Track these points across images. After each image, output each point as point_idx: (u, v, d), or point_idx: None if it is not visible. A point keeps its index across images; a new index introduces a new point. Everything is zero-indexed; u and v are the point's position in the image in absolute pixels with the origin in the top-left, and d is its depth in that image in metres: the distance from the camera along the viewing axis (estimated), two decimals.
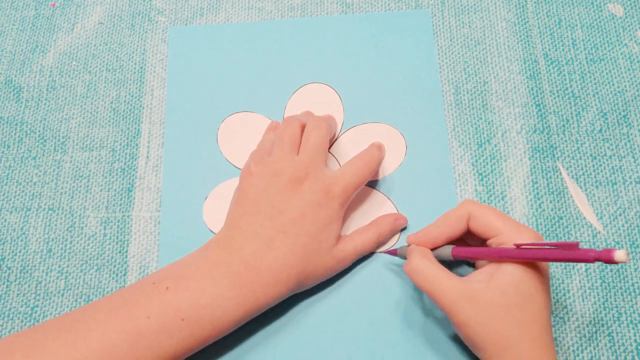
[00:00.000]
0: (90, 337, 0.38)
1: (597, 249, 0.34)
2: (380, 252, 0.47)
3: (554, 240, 0.47)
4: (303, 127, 0.48)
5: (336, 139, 0.52)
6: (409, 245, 0.44)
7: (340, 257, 0.45)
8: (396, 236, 0.48)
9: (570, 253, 0.35)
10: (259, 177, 0.45)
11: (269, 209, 0.44)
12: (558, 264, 0.47)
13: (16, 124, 0.54)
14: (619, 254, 0.32)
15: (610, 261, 0.33)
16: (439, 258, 0.43)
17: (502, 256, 0.39)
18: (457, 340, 0.44)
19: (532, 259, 0.37)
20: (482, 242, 0.43)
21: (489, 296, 0.38)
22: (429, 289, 0.40)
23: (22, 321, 0.47)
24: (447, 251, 0.42)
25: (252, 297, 0.42)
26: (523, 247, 0.38)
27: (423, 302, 0.46)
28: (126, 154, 0.52)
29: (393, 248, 0.47)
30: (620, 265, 0.47)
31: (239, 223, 0.44)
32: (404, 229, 0.48)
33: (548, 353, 0.38)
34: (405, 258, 0.44)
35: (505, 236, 0.40)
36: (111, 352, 0.38)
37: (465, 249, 0.42)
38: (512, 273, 0.38)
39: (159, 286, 0.41)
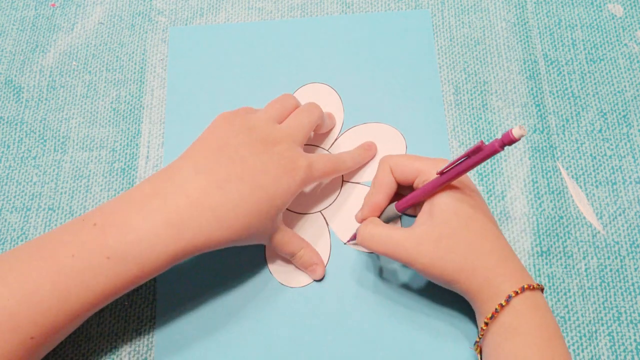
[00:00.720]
0: (11, 277, 0.37)
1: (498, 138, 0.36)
2: (346, 243, 0.48)
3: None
4: (320, 121, 0.48)
5: (336, 139, 0.52)
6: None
7: (275, 230, 0.43)
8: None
9: (480, 154, 0.36)
10: (233, 125, 0.43)
11: (233, 152, 0.41)
12: (557, 263, 0.47)
13: (16, 124, 0.54)
14: (516, 130, 0.34)
15: (511, 140, 0.34)
16: (389, 220, 0.44)
17: (432, 187, 0.40)
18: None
19: (455, 177, 0.39)
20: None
21: (436, 231, 0.39)
22: (383, 249, 0.41)
23: None
24: (392, 209, 0.44)
25: (187, 237, 0.38)
26: (443, 171, 0.39)
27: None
28: (126, 154, 0.52)
29: (352, 235, 0.47)
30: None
31: (194, 156, 0.42)
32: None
33: (510, 261, 0.39)
34: None
35: (425, 172, 0.41)
36: (33, 292, 0.37)
37: (406, 198, 0.43)
38: (446, 202, 0.40)
39: (87, 223, 0.39)
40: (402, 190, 0.45)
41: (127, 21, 0.57)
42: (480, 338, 0.40)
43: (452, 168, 0.38)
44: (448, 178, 0.39)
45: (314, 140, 0.52)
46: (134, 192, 0.40)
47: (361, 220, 0.45)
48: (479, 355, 0.41)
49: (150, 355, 0.46)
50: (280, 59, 0.55)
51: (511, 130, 0.34)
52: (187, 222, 0.39)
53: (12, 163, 0.52)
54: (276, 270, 0.48)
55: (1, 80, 0.55)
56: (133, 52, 0.56)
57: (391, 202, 0.45)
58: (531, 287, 0.38)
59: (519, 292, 0.38)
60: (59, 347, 0.46)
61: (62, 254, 0.38)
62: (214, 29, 0.57)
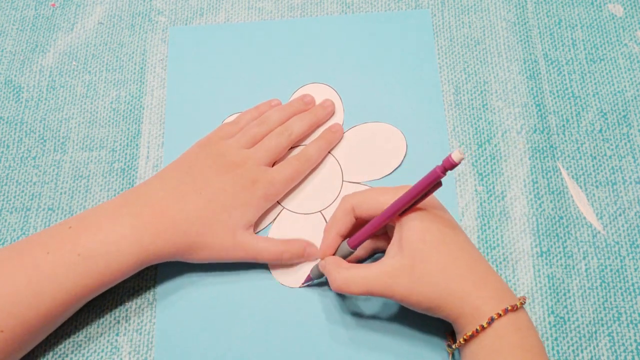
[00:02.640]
0: None
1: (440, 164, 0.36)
2: (299, 287, 0.47)
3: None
4: (290, 143, 0.50)
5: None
6: (318, 264, 0.45)
7: (240, 244, 0.45)
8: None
9: (424, 180, 0.37)
10: (205, 151, 0.48)
11: (198, 173, 0.46)
12: (557, 263, 0.47)
13: (16, 124, 0.54)
14: (455, 154, 0.34)
15: (452, 165, 0.35)
16: (343, 257, 0.44)
17: (383, 220, 0.40)
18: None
19: (403, 205, 0.39)
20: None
21: (408, 262, 0.39)
22: (362, 291, 0.40)
23: None
24: (345, 246, 0.43)
25: (149, 239, 0.43)
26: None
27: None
28: (126, 154, 0.52)
29: (307, 276, 0.46)
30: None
31: (163, 176, 0.47)
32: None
33: (488, 280, 0.39)
34: (320, 276, 0.45)
35: (386, 206, 0.41)
36: (8, 284, 0.40)
37: (357, 235, 0.42)
38: (412, 230, 0.40)
39: (64, 226, 0.43)
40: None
41: (127, 21, 0.57)
42: (454, 347, 0.40)
43: (401, 198, 0.39)
44: (400, 205, 0.39)
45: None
46: (108, 203, 0.45)
47: (322, 256, 0.45)
48: (450, 357, 0.42)
49: (150, 355, 0.46)
50: (280, 59, 0.55)
51: (451, 154, 0.34)
52: (148, 228, 0.43)
53: (12, 163, 0.52)
54: (276, 270, 0.48)
55: (1, 80, 0.55)
56: (133, 52, 0.56)
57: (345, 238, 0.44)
58: (514, 308, 0.38)
59: (501, 314, 0.37)
60: (59, 347, 0.46)
61: (38, 252, 0.42)
62: (214, 29, 0.57)
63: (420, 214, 0.40)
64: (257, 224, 0.49)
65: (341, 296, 0.46)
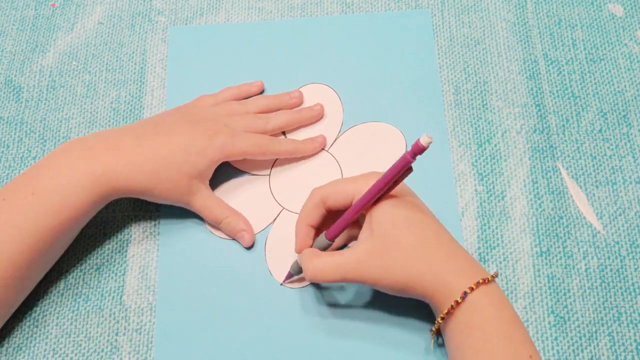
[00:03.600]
0: None
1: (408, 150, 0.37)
2: (282, 284, 0.47)
3: None
4: (265, 130, 0.50)
5: (336, 139, 0.52)
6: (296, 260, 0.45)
7: (193, 191, 0.46)
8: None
9: (395, 167, 0.37)
10: (178, 109, 0.49)
11: (161, 121, 0.47)
12: (557, 263, 0.47)
13: (16, 124, 0.54)
14: (423, 138, 0.35)
15: (421, 149, 0.35)
16: (322, 249, 0.44)
17: (358, 209, 0.41)
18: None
19: (377, 192, 0.39)
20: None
21: (379, 245, 0.40)
22: (333, 277, 0.41)
23: (21, 321, 0.47)
24: (322, 239, 0.44)
25: (100, 170, 0.43)
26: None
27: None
28: None
29: (287, 274, 0.47)
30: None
31: (130, 125, 0.48)
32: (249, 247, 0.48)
33: (458, 256, 0.40)
34: (300, 271, 0.45)
35: (362, 192, 0.41)
36: None
37: (334, 226, 0.43)
38: (382, 214, 0.40)
39: (19, 175, 0.44)
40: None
41: (127, 21, 0.57)
42: (434, 330, 0.41)
43: (372, 186, 0.39)
44: (373, 194, 0.39)
45: None
46: (62, 145, 0.45)
47: (299, 251, 0.45)
48: (432, 340, 0.43)
49: (150, 355, 0.46)
50: (280, 59, 0.55)
51: (419, 139, 0.35)
52: (100, 159, 0.43)
53: (12, 163, 0.52)
54: (276, 270, 0.48)
55: (1, 80, 0.55)
56: (133, 52, 0.56)
57: (322, 230, 0.44)
58: (486, 281, 0.39)
59: (474, 287, 0.38)
60: (59, 346, 0.46)
61: None
62: (214, 29, 0.57)
63: (390, 200, 0.41)
64: (256, 223, 0.49)
65: (341, 297, 0.46)
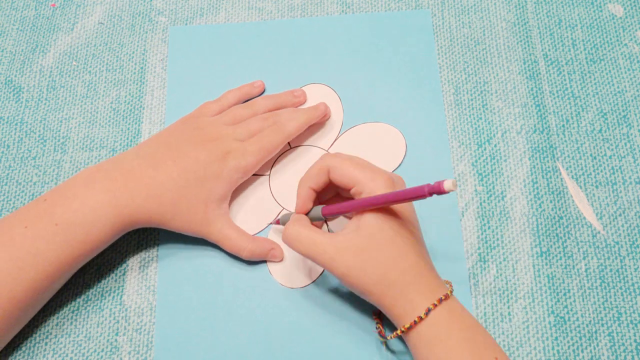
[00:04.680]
0: None
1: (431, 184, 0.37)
2: (267, 225, 0.49)
3: None
4: (273, 107, 0.51)
5: (336, 139, 0.52)
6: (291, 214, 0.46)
7: (209, 220, 0.46)
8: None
9: (409, 193, 0.38)
10: (185, 125, 0.49)
11: (174, 144, 0.47)
12: (557, 263, 0.47)
13: (16, 124, 0.54)
14: (447, 184, 0.35)
15: (441, 191, 0.35)
16: (314, 220, 0.44)
17: (360, 206, 0.41)
18: None
19: (384, 204, 0.40)
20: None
21: (359, 243, 0.40)
22: (305, 251, 0.41)
23: None
24: (318, 211, 0.44)
25: (124, 202, 0.44)
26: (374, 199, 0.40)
27: None
28: None
29: (276, 220, 0.48)
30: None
31: (141, 146, 0.48)
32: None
33: (425, 276, 0.40)
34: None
35: (362, 185, 0.41)
36: None
37: (332, 207, 0.43)
38: (374, 218, 0.40)
39: (39, 201, 0.44)
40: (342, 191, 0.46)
41: (127, 21, 0.57)
42: (390, 338, 0.42)
43: (384, 194, 0.40)
44: (377, 203, 0.40)
45: (312, 141, 0.52)
46: (82, 172, 0.45)
47: (298, 212, 0.45)
48: (384, 345, 0.44)
49: (150, 355, 0.46)
50: (280, 59, 0.55)
51: (444, 182, 0.35)
52: (122, 191, 0.44)
53: (12, 163, 0.52)
54: (276, 270, 0.48)
55: (1, 80, 0.55)
56: (133, 52, 0.56)
57: (322, 203, 0.45)
58: (446, 297, 0.40)
59: (437, 304, 0.39)
60: (59, 346, 0.46)
61: (15, 227, 0.43)
62: (214, 29, 0.57)
63: (385, 208, 0.41)
64: (256, 223, 0.49)
65: (341, 297, 0.46)
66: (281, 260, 0.48)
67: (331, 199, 0.47)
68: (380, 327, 0.44)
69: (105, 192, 0.44)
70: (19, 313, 0.43)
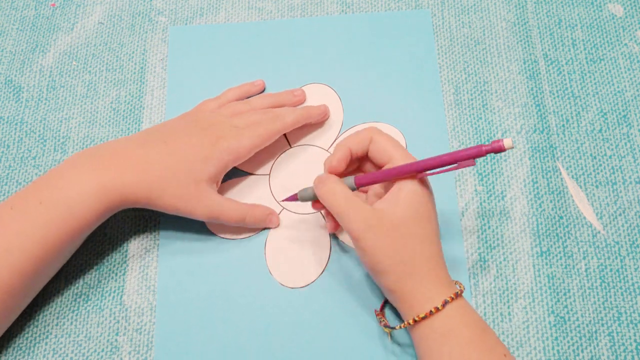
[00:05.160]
0: None
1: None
2: (282, 201, 0.49)
3: None
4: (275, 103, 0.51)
5: (336, 139, 0.52)
6: (308, 189, 0.45)
7: (203, 197, 0.45)
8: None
9: (464, 153, 0.38)
10: (184, 117, 0.49)
11: (167, 130, 0.47)
12: (557, 263, 0.47)
13: (16, 124, 0.54)
14: (507, 142, 0.35)
15: (501, 149, 0.36)
16: None
17: (401, 174, 0.40)
18: None
19: (430, 168, 0.39)
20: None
21: (395, 218, 0.40)
22: (340, 211, 0.41)
23: (21, 321, 0.47)
24: (350, 180, 0.43)
25: (110, 181, 0.43)
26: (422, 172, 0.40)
27: None
28: None
29: (291, 196, 0.47)
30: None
31: (135, 134, 0.48)
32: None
33: (441, 270, 0.41)
34: (307, 200, 0.45)
35: (396, 162, 0.41)
36: None
37: (367, 176, 0.43)
38: (414, 190, 0.40)
39: (29, 184, 0.44)
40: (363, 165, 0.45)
41: (127, 21, 0.57)
42: (399, 327, 0.41)
43: (428, 159, 0.39)
44: (427, 166, 0.39)
45: (312, 140, 0.52)
46: (71, 157, 0.45)
47: (328, 170, 0.44)
48: (389, 336, 0.44)
49: (150, 355, 0.46)
50: (280, 59, 0.55)
51: (503, 139, 0.36)
52: (109, 169, 0.44)
53: (12, 163, 0.52)
54: (276, 270, 0.48)
55: (1, 80, 0.55)
56: (133, 52, 0.56)
57: (354, 173, 0.45)
58: (460, 293, 0.40)
59: (453, 297, 0.39)
60: (59, 346, 0.46)
61: (2, 209, 0.43)
62: (214, 29, 0.57)
63: (429, 185, 0.41)
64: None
65: (341, 297, 0.46)
66: (277, 226, 0.49)
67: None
68: (384, 318, 0.44)
69: (92, 170, 0.43)
70: (9, 300, 0.42)
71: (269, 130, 0.48)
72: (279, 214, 0.49)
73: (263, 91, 0.54)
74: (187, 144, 0.46)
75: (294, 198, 0.46)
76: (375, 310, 0.45)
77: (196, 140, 0.46)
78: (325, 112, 0.52)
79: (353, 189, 0.43)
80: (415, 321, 0.40)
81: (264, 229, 0.49)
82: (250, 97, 0.53)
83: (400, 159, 0.41)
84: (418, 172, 0.40)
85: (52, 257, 0.43)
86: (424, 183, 0.41)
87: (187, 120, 0.49)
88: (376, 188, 0.45)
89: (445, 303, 0.39)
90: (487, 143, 0.36)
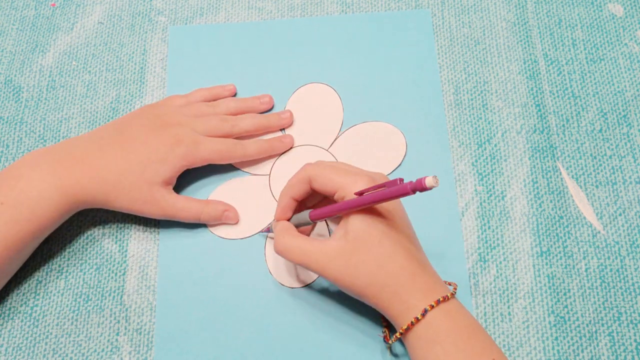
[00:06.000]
0: None
1: (413, 181, 0.37)
2: (257, 233, 0.49)
3: None
4: (231, 133, 0.50)
5: (336, 139, 0.52)
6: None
7: (157, 199, 0.46)
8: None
9: (392, 191, 0.38)
10: (145, 112, 0.50)
11: (127, 130, 0.48)
12: (557, 263, 0.47)
13: (16, 124, 0.54)
14: (429, 180, 0.35)
15: (423, 188, 0.36)
16: (300, 224, 0.45)
17: (345, 208, 0.41)
18: None
19: (369, 203, 0.40)
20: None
21: (348, 248, 0.41)
22: (299, 260, 0.42)
23: (22, 321, 0.47)
24: (305, 216, 0.44)
25: (68, 183, 0.44)
26: (360, 193, 0.40)
27: None
28: None
29: (266, 227, 0.48)
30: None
31: (94, 131, 0.49)
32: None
33: (420, 277, 0.41)
34: None
35: (344, 189, 0.41)
36: None
37: (320, 210, 0.43)
38: (360, 221, 0.41)
39: None
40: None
41: (127, 21, 0.57)
42: (392, 342, 0.42)
43: (367, 195, 0.39)
44: (364, 203, 0.40)
45: (312, 141, 0.52)
46: (29, 153, 0.46)
47: (277, 219, 0.45)
48: (387, 345, 0.44)
49: (150, 355, 0.46)
50: (280, 59, 0.55)
51: (425, 179, 0.35)
52: (67, 172, 0.45)
53: (12, 163, 0.52)
54: (276, 270, 0.48)
55: (1, 80, 0.55)
56: (133, 52, 0.56)
57: (310, 207, 0.45)
58: (446, 298, 0.40)
59: (434, 305, 0.39)
60: (59, 346, 0.46)
61: None
62: (214, 29, 0.57)
63: (373, 210, 0.41)
64: (257, 223, 0.49)
65: (341, 297, 0.46)
66: (236, 222, 0.49)
67: (320, 202, 0.47)
68: (387, 331, 0.44)
69: (51, 173, 0.44)
70: None
71: (229, 153, 0.49)
72: (269, 224, 0.49)
73: (234, 95, 0.54)
74: (143, 144, 0.46)
75: (267, 229, 0.48)
76: (383, 320, 0.45)
77: (153, 142, 0.47)
78: (290, 144, 0.51)
79: (308, 223, 0.44)
80: (401, 334, 0.40)
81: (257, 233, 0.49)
82: (219, 99, 0.53)
83: (346, 183, 0.41)
84: (357, 208, 0.41)
85: (11, 255, 0.44)
86: (369, 211, 0.41)
87: (149, 114, 0.49)
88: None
89: (425, 312, 0.39)
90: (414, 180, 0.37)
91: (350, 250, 0.40)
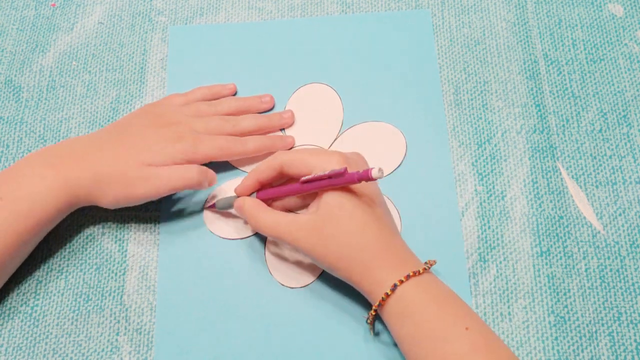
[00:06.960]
0: None
1: (359, 172, 0.40)
2: (203, 208, 0.49)
3: None
4: (232, 133, 0.50)
5: (336, 139, 0.52)
6: (235, 197, 0.47)
7: (144, 174, 0.45)
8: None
9: (340, 179, 0.40)
10: (146, 111, 0.50)
11: (128, 129, 0.48)
12: (557, 263, 0.47)
13: (16, 124, 0.54)
14: (375, 171, 0.38)
15: (369, 178, 0.38)
16: (224, 208, 0.47)
17: (290, 192, 0.44)
18: None
19: (312, 190, 0.42)
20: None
21: (320, 220, 0.42)
22: (273, 233, 0.43)
23: (22, 320, 0.47)
24: (231, 200, 0.47)
25: (68, 180, 0.44)
26: (306, 181, 0.42)
27: None
28: None
29: (211, 204, 0.49)
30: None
31: (95, 132, 0.49)
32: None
33: (391, 252, 0.42)
34: (225, 208, 0.48)
35: (317, 169, 0.42)
36: None
37: (266, 191, 0.46)
38: (333, 196, 0.42)
39: None
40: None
41: (127, 21, 0.57)
42: (369, 321, 0.43)
43: (314, 182, 0.41)
44: (308, 190, 0.42)
45: (312, 140, 0.52)
46: (31, 154, 0.47)
47: (238, 194, 0.47)
48: (371, 330, 0.44)
49: (150, 355, 0.46)
50: (280, 59, 0.55)
51: (372, 169, 0.38)
52: (67, 167, 0.45)
53: (12, 163, 0.52)
54: (276, 270, 0.48)
55: (1, 80, 0.55)
56: (133, 52, 0.56)
57: (258, 190, 0.47)
58: (417, 273, 0.40)
59: (404, 280, 0.40)
60: (59, 346, 0.46)
61: None
62: (214, 29, 0.57)
63: (346, 187, 0.42)
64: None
65: (341, 297, 0.46)
66: (213, 183, 0.47)
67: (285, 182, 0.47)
68: (371, 315, 0.44)
69: (51, 169, 0.45)
70: None
71: (229, 149, 0.49)
72: (211, 199, 0.50)
73: (235, 94, 0.54)
74: (143, 140, 0.47)
75: (212, 206, 0.49)
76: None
77: (153, 140, 0.47)
78: (291, 144, 0.51)
79: (231, 207, 0.46)
80: (375, 311, 0.41)
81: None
82: (219, 98, 0.53)
83: (320, 164, 0.42)
84: (304, 192, 0.43)
85: (11, 252, 0.44)
86: (342, 189, 0.42)
87: (149, 114, 0.49)
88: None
89: (394, 287, 0.40)
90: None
91: (322, 222, 0.42)
